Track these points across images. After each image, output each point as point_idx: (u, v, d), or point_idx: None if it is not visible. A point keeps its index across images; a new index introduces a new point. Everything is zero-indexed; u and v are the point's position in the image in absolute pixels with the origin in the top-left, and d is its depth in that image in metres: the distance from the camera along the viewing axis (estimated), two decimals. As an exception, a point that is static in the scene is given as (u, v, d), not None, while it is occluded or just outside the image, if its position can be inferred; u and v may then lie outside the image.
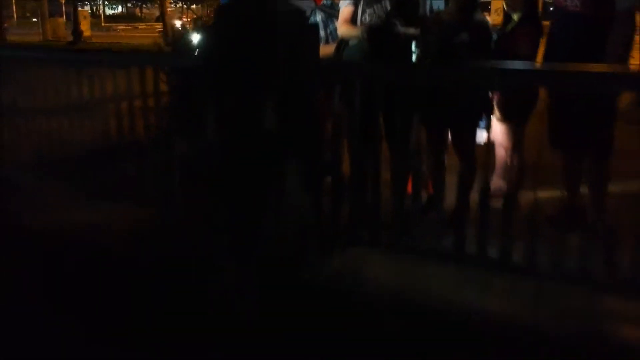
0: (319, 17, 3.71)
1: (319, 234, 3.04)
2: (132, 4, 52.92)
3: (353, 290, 2.82)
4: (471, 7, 3.30)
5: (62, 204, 3.85)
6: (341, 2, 3.37)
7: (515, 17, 3.42)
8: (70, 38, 21.71)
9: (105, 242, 3.31)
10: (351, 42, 3.30)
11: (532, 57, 3.42)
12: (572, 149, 3.33)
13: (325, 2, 3.77)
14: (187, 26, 17.96)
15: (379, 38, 3.15)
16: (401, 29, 3.15)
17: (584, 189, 3.35)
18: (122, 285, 2.87)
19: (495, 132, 3.48)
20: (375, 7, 3.20)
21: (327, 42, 3.65)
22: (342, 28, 3.32)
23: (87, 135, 4.02)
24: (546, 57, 3.41)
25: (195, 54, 3.56)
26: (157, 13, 58.78)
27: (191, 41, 3.88)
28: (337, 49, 3.38)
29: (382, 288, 2.82)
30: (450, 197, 3.27)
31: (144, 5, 55.77)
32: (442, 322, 2.53)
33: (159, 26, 38.38)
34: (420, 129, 3.27)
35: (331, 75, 3.05)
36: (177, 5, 47.70)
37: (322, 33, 3.68)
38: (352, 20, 3.26)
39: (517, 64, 3.01)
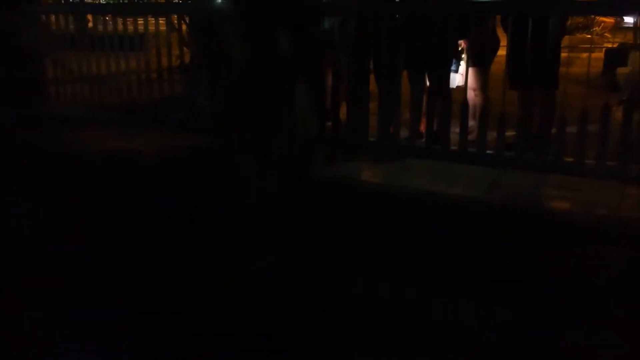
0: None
1: (321, 140, 3.79)
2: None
3: (349, 184, 3.59)
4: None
5: (114, 133, 4.61)
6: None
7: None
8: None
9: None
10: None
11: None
12: (527, 86, 4.08)
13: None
14: None
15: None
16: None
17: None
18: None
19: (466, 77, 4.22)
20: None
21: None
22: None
23: (131, 70, 4.74)
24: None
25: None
26: None
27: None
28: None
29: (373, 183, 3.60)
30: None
31: None
32: (420, 203, 3.29)
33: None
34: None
35: (332, 10, 3.80)
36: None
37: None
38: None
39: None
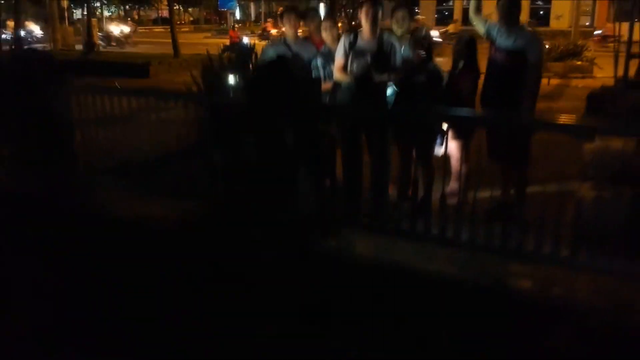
0: (319, 61, 5.02)
1: (321, 218, 4.37)
2: (130, 7, 54.12)
3: (345, 255, 4.18)
4: (429, 58, 4.66)
5: (128, 198, 5.19)
6: (336, 53, 4.70)
7: (460, 64, 4.77)
8: (78, 44, 23.00)
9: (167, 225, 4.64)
10: (343, 85, 4.64)
11: (472, 93, 4.78)
12: (502, 160, 4.69)
13: (323, 49, 5.09)
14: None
15: (362, 83, 4.49)
16: (376, 77, 4.50)
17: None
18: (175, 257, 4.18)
19: (449, 147, 4.82)
20: (359, 60, 4.53)
21: (324, 80, 4.96)
22: (337, 74, 4.66)
23: (146, 147, 5.33)
24: (483, 93, 4.77)
25: (232, 93, 4.85)
26: (153, 15, 60.02)
27: (227, 80, 5.16)
28: (334, 88, 4.72)
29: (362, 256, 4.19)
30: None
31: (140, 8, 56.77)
32: (401, 278, 3.87)
33: (157, 30, 38.97)
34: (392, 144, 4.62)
35: (328, 113, 4.40)
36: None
37: (321, 73, 5.00)
38: (344, 68, 4.60)
39: (456, 110, 4.33)
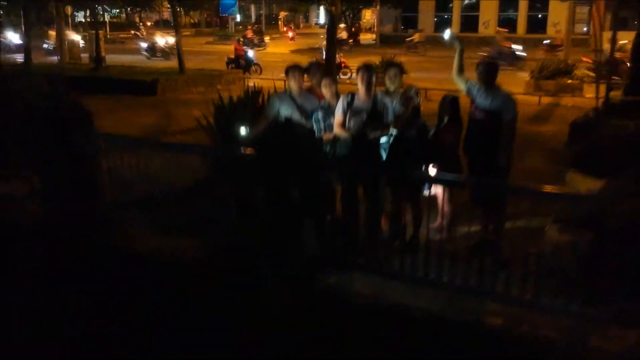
0: (320, 114, 5.63)
1: (322, 260, 5.00)
2: (132, 10, 54.62)
3: (342, 294, 4.81)
4: (417, 114, 5.29)
5: (148, 233, 5.82)
6: (336, 111, 5.32)
7: (445, 119, 5.39)
8: (84, 58, 23.56)
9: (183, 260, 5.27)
10: (342, 139, 5.26)
11: (456, 143, 5.40)
12: (482, 206, 5.33)
13: (323, 103, 5.70)
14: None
15: (358, 139, 5.12)
16: (371, 133, 5.13)
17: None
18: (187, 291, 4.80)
19: (435, 190, 5.44)
20: (356, 118, 5.16)
21: (324, 131, 5.56)
22: (337, 130, 5.28)
23: (166, 185, 5.96)
24: (465, 143, 5.40)
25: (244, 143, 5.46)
26: (155, 17, 60.50)
27: (237, 124, 5.74)
28: (333, 141, 5.34)
29: (359, 294, 4.82)
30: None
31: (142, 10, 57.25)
32: (393, 314, 4.50)
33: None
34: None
35: (327, 167, 5.04)
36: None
37: (322, 125, 5.62)
38: (343, 125, 5.23)
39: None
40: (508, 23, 39.53)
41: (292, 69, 5.76)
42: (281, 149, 4.58)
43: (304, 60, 27.94)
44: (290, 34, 49.97)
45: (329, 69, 19.24)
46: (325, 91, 5.67)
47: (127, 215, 6.15)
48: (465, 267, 4.74)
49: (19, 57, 22.21)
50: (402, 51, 28.67)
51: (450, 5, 41.55)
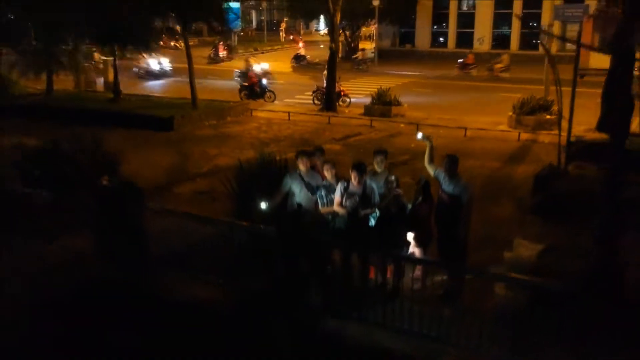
0: (323, 192, 7.22)
1: (323, 310, 6.59)
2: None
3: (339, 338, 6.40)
4: (397, 198, 6.89)
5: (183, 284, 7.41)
6: (335, 193, 6.91)
7: (419, 199, 6.99)
8: (98, 85, 25.00)
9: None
10: (340, 214, 6.85)
11: (428, 218, 6.99)
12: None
13: (325, 182, 7.28)
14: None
15: (352, 215, 6.72)
16: (362, 212, 6.72)
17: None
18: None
19: (413, 250, 7.03)
20: (350, 200, 6.76)
21: (326, 205, 7.15)
22: (336, 208, 6.88)
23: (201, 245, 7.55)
24: (435, 217, 7.00)
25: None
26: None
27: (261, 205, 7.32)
28: (333, 216, 6.93)
29: (351, 337, 6.41)
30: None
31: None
32: (378, 354, 6.08)
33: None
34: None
35: (324, 245, 6.66)
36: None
37: (324, 200, 7.20)
38: (341, 204, 6.82)
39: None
40: (502, 39, 41.21)
41: (301, 155, 7.37)
42: (296, 233, 6.20)
43: (304, 79, 30.00)
44: (300, 44, 51.65)
45: (329, 98, 20.92)
46: (327, 174, 7.26)
47: (168, 269, 7.73)
48: (432, 316, 6.31)
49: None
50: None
51: (445, 23, 43.15)
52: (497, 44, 40.63)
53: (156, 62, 28.53)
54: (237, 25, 51.89)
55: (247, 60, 27.19)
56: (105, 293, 7.16)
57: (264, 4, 59.18)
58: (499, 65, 29.48)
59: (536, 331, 5.82)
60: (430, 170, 7.09)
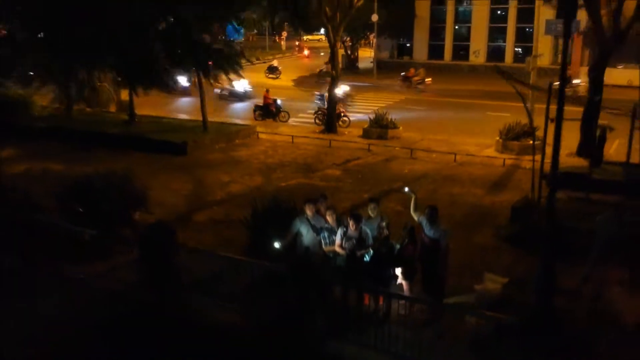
0: (325, 234, 8.70)
1: (327, 332, 8.07)
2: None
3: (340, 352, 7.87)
4: (387, 239, 8.37)
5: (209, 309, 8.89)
6: (337, 237, 8.40)
7: (406, 241, 8.46)
8: (111, 104, 26.25)
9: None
10: (340, 254, 8.35)
11: (413, 258, 8.47)
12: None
13: (327, 225, 8.76)
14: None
15: (350, 255, 8.21)
16: (358, 252, 8.21)
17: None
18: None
19: (401, 283, 8.51)
20: (349, 242, 8.24)
21: (328, 244, 8.63)
22: (337, 248, 8.37)
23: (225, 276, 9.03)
24: (419, 257, 8.47)
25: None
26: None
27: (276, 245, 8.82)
28: (335, 255, 8.43)
29: (350, 355, 7.88)
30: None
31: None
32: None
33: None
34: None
35: (327, 280, 8.14)
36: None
37: (327, 240, 8.68)
38: (341, 246, 8.31)
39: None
40: (497, 53, 42.69)
41: (308, 203, 8.87)
42: (306, 273, 7.70)
43: (306, 95, 31.49)
44: (306, 52, 52.74)
45: (330, 121, 22.40)
46: (329, 218, 8.75)
47: (195, 295, 9.20)
48: (415, 339, 7.77)
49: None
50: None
51: (442, 35, 44.62)
52: (493, 57, 41.99)
53: (241, 84, 28.66)
54: (238, 38, 53.37)
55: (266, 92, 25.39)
56: (146, 318, 8.64)
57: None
58: (416, 78, 33.52)
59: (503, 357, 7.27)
60: (415, 217, 8.58)
